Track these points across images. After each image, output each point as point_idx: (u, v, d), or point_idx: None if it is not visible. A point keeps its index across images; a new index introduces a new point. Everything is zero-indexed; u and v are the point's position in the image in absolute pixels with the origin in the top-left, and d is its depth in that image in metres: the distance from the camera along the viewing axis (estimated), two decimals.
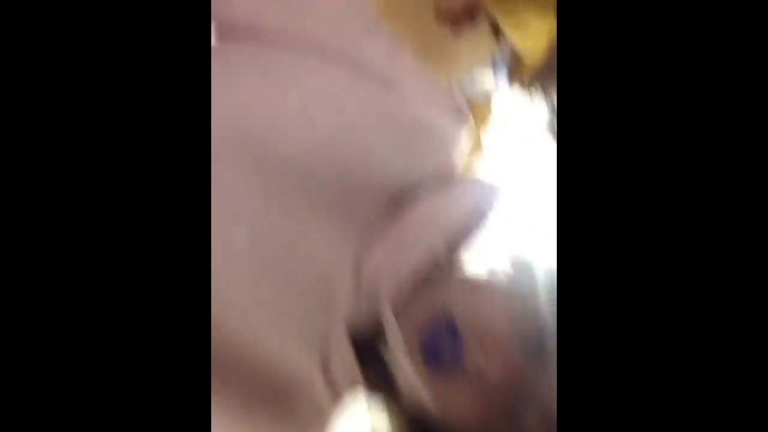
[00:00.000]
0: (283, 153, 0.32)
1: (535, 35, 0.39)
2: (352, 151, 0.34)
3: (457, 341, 0.33)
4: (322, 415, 0.35)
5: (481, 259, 0.40)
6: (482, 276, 0.40)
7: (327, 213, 0.34)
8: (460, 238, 0.39)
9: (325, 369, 0.34)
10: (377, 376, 0.36)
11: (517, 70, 0.44)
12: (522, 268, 0.38)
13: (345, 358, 0.35)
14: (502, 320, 0.34)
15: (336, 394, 0.35)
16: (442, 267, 0.39)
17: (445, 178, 0.40)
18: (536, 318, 0.34)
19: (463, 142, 0.41)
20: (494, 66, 0.44)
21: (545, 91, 0.49)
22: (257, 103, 0.32)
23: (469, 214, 0.39)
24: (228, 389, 0.29)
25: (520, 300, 0.35)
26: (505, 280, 0.38)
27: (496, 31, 0.41)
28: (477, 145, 0.44)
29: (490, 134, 0.46)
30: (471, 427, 0.34)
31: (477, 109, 0.44)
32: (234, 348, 0.30)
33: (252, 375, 0.31)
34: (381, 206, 0.37)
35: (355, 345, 0.35)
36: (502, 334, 0.34)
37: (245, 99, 0.32)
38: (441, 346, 0.34)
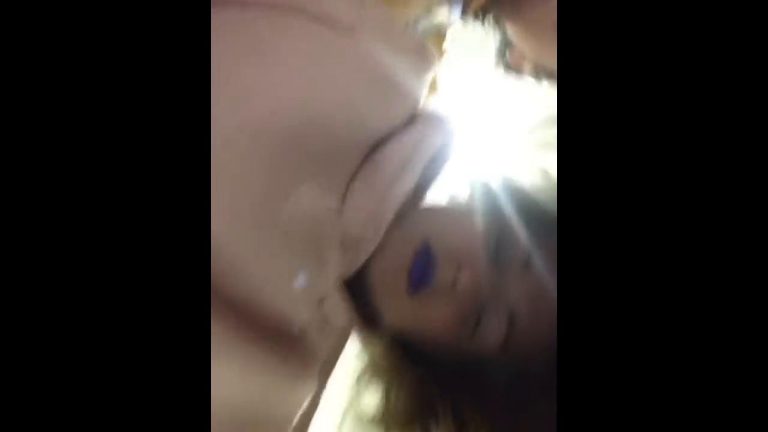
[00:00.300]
0: (272, 116, 0.33)
1: None
2: (333, 106, 0.36)
3: (432, 262, 0.37)
4: (319, 356, 0.40)
5: (446, 186, 0.45)
6: (448, 201, 0.44)
7: (314, 170, 0.36)
8: (428, 173, 0.43)
9: (321, 312, 0.38)
10: (366, 311, 0.40)
11: (470, 3, 0.45)
12: (480, 190, 0.43)
13: (338, 300, 0.38)
14: (468, 237, 0.39)
15: (331, 335, 0.40)
16: (413, 200, 0.42)
17: (412, 117, 0.42)
18: (496, 231, 0.39)
19: (427, 81, 0.43)
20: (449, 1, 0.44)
21: (498, 22, 0.50)
22: (237, 69, 0.33)
23: (434, 149, 0.42)
24: (229, 337, 0.33)
25: (480, 218, 0.40)
26: (468, 203, 0.43)
27: None
28: (434, 81, 0.46)
29: (445, 69, 0.48)
30: (444, 334, 0.38)
31: (433, 45, 0.45)
32: (235, 297, 0.33)
33: (252, 324, 0.34)
34: (361, 155, 0.39)
35: (347, 286, 0.38)
36: (469, 248, 0.38)
37: (226, 65, 0.32)
38: (420, 270, 0.37)
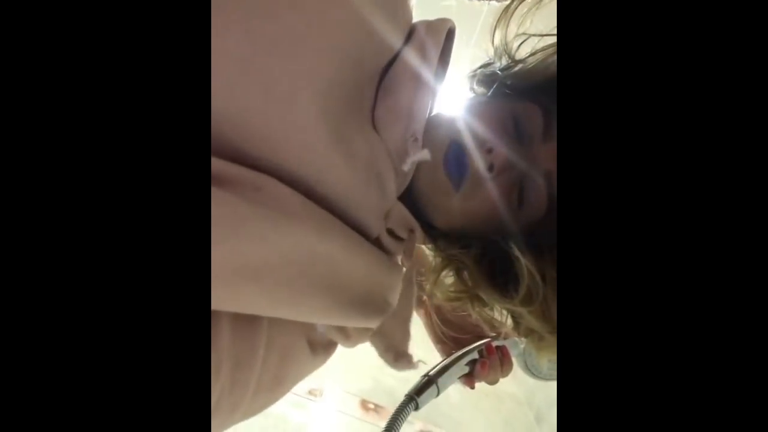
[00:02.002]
0: (323, 61, 0.35)
1: None
2: (360, 39, 0.38)
3: (465, 154, 0.42)
4: (396, 254, 0.46)
5: (459, 85, 0.50)
6: (466, 99, 0.49)
7: (357, 106, 0.39)
8: (437, 78, 0.46)
9: (388, 224, 0.43)
10: (420, 219, 0.46)
11: None
12: (487, 80, 0.48)
13: (400, 211, 0.43)
14: (489, 123, 0.42)
15: (397, 239, 0.45)
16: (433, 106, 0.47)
17: (409, 34, 0.44)
18: (510, 112, 0.43)
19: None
20: None
21: None
22: (281, 20, 0.34)
23: (436, 57, 0.44)
24: (333, 224, 0.37)
25: (496, 104, 0.44)
26: (477, 95, 0.49)
27: None
28: None
29: None
30: (495, 215, 0.42)
31: None
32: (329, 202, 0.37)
33: (343, 220, 0.39)
34: (377, 83, 0.42)
35: (403, 200, 0.44)
36: (493, 132, 0.42)
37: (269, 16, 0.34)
38: (455, 165, 0.42)
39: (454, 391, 1.96)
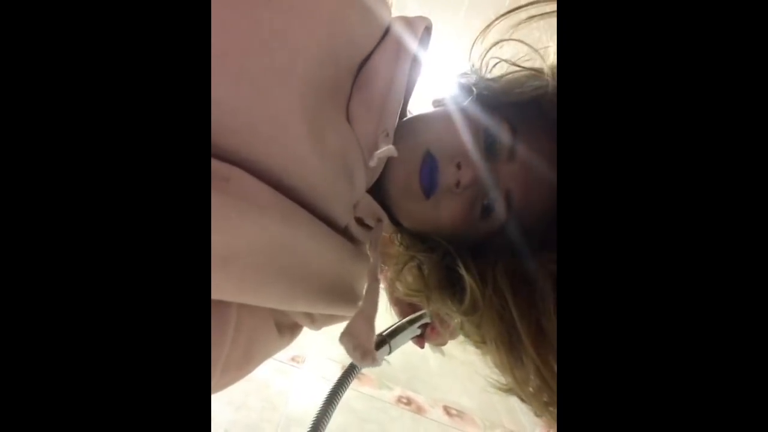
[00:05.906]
0: (297, 59, 0.36)
1: None
2: (336, 36, 0.38)
3: (436, 168, 0.43)
4: (364, 242, 0.48)
5: (432, 95, 0.50)
6: (435, 105, 0.50)
7: (332, 103, 0.40)
8: (411, 76, 0.47)
9: (356, 213, 0.45)
10: (388, 211, 0.47)
11: None
12: (463, 90, 0.48)
13: (368, 203, 0.45)
14: (461, 138, 0.43)
15: (366, 228, 0.47)
16: (407, 111, 0.49)
17: (386, 30, 0.45)
18: (483, 127, 0.44)
19: None
20: None
21: None
22: (257, 16, 0.34)
23: (411, 53, 0.44)
24: (305, 219, 0.39)
25: (471, 115, 0.45)
26: (453, 104, 0.48)
27: None
28: None
29: None
30: (456, 224, 0.44)
31: None
32: (299, 194, 0.38)
33: (314, 214, 0.40)
34: (353, 78, 0.43)
35: (372, 193, 0.46)
36: (464, 148, 0.43)
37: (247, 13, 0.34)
38: (428, 176, 0.43)
39: (432, 359, 2.02)
